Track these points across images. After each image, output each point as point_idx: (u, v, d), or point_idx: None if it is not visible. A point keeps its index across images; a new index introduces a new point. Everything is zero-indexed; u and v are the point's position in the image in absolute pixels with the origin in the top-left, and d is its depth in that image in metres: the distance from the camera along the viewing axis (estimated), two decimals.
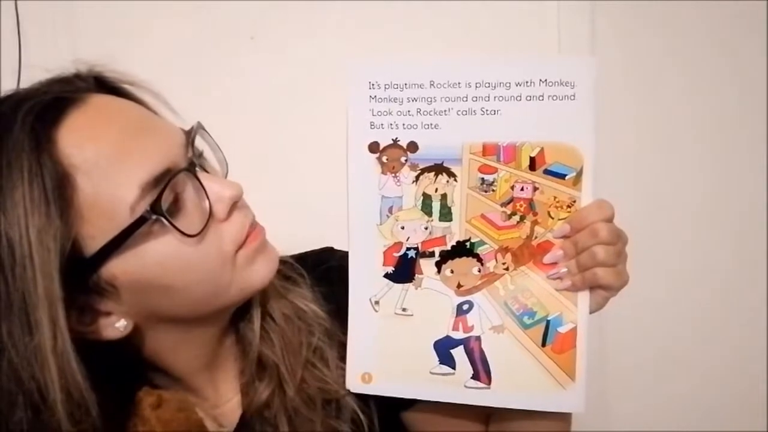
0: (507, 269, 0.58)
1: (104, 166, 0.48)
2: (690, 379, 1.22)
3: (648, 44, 1.16)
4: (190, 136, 0.54)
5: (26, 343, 0.46)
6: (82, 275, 0.48)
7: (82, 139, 0.48)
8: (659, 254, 1.14)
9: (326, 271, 0.66)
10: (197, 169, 0.53)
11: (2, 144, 0.47)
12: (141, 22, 1.04)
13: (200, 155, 0.56)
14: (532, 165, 0.57)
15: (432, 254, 0.59)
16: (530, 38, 1.13)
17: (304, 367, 0.62)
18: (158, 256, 0.50)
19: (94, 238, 0.48)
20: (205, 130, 0.56)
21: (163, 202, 0.48)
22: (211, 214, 0.52)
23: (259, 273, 0.55)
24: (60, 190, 0.46)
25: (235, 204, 0.54)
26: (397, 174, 0.58)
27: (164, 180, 0.49)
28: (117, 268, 0.49)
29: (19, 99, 0.50)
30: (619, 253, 0.55)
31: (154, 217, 0.48)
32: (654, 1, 1.15)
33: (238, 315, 0.61)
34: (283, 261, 0.64)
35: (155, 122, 0.54)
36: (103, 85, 0.55)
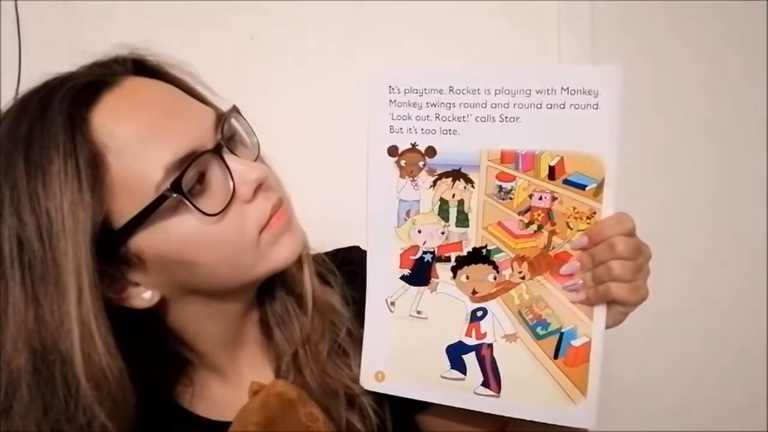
0: (523, 278, 0.58)
1: (134, 146, 0.51)
2: (690, 379, 1.22)
3: (648, 44, 1.15)
4: (221, 118, 0.56)
5: (57, 306, 0.49)
6: (111, 246, 0.52)
7: (115, 121, 0.51)
8: (660, 257, 1.12)
9: (352, 273, 0.67)
10: (225, 150, 0.55)
11: (41, 125, 0.50)
12: (141, 22, 1.05)
13: (230, 138, 0.57)
14: (552, 174, 0.56)
15: (448, 259, 0.59)
16: (530, 38, 1.13)
17: (327, 358, 0.63)
18: (181, 233, 0.53)
19: (122, 214, 0.51)
20: (240, 114, 0.58)
21: (184, 181, 0.51)
22: (234, 194, 0.54)
23: (283, 253, 0.57)
24: (92, 168, 0.50)
25: (260, 186, 0.55)
26: (415, 178, 0.59)
27: (188, 161, 0.52)
28: (143, 242, 0.52)
29: (58, 82, 0.53)
30: (638, 269, 0.54)
31: (174, 195, 0.51)
32: (654, 1, 1.13)
33: (264, 295, 0.63)
34: (316, 258, 0.66)
35: (186, 105, 0.56)
36: (142, 68, 0.58)
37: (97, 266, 0.50)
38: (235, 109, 0.58)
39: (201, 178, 0.53)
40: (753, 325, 1.22)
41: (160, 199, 0.51)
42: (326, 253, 0.69)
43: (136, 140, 0.51)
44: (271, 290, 0.63)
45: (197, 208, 0.52)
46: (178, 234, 0.53)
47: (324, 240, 0.67)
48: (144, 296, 0.55)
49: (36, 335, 0.49)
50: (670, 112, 1.17)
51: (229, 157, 0.54)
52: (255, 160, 0.58)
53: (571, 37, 1.11)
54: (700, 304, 1.21)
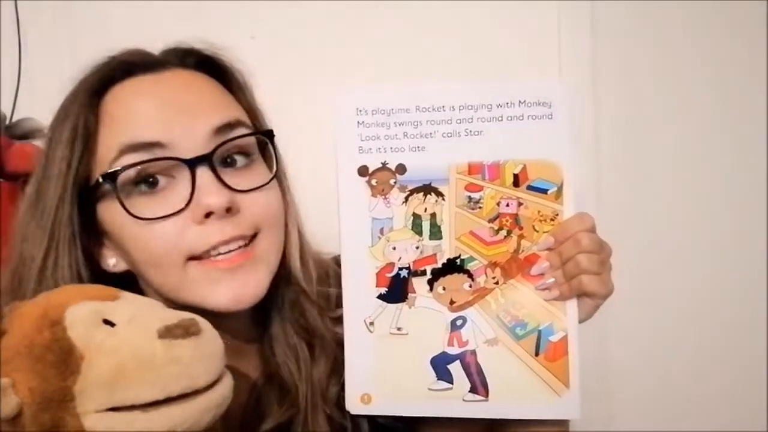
0: (497, 283, 0.60)
1: (115, 123, 0.55)
2: (690, 379, 1.22)
3: (648, 44, 1.17)
4: (230, 126, 0.56)
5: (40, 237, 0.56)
6: (86, 203, 0.57)
7: (121, 101, 0.56)
8: (660, 258, 1.14)
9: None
10: (204, 163, 0.54)
11: (71, 95, 0.58)
12: (141, 23, 1.04)
13: (230, 156, 0.57)
14: (516, 182, 0.60)
15: (424, 273, 0.61)
16: (530, 39, 1.14)
17: (326, 391, 0.63)
18: (117, 218, 0.55)
19: (92, 180, 0.56)
20: (271, 140, 0.60)
21: (125, 173, 0.54)
22: (182, 209, 0.53)
23: (215, 296, 0.55)
24: (85, 134, 0.55)
25: (209, 216, 0.54)
26: (387, 196, 0.60)
27: (149, 151, 0.54)
28: (100, 210, 0.57)
29: (106, 59, 0.59)
30: (602, 262, 0.58)
31: (104, 182, 0.54)
32: (654, 1, 1.16)
33: (262, 328, 0.62)
34: (335, 260, 0.66)
35: (201, 104, 0.57)
36: (192, 58, 0.61)
37: (76, 212, 0.56)
38: (267, 134, 0.60)
39: (153, 177, 0.54)
40: (753, 325, 1.23)
41: (97, 182, 0.55)
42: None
43: (118, 117, 0.55)
44: (269, 324, 0.62)
45: (122, 205, 0.54)
46: (116, 218, 0.56)
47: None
48: (109, 261, 0.59)
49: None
50: (670, 112, 1.19)
51: (203, 175, 0.54)
52: (251, 190, 0.56)
53: (571, 37, 1.13)
54: (700, 304, 1.21)
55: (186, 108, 0.56)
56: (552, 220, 0.60)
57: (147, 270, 0.56)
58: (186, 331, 0.44)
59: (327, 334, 0.63)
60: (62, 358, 0.43)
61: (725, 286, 1.22)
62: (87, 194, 0.56)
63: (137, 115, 0.55)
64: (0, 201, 0.74)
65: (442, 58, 1.13)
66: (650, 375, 1.21)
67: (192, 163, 0.53)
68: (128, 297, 0.49)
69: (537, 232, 0.60)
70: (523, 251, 0.60)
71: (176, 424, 0.43)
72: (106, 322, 0.45)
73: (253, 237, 0.57)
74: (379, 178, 0.60)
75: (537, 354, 0.60)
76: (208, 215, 0.54)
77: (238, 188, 0.56)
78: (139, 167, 0.54)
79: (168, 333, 0.44)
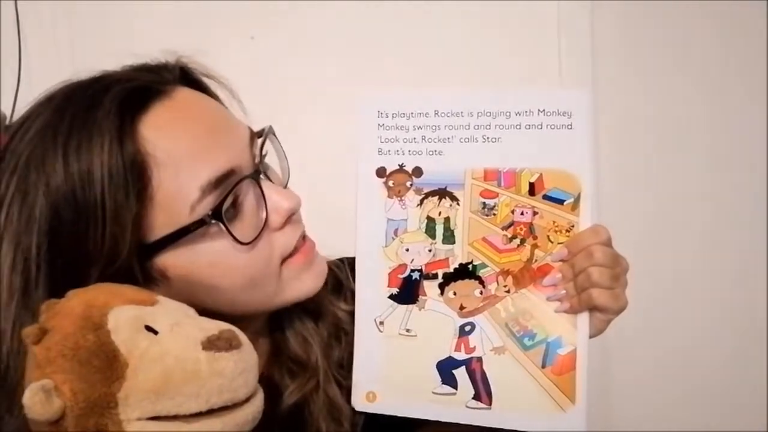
0: (508, 291, 0.60)
1: (175, 162, 0.51)
2: (690, 379, 1.22)
3: (648, 44, 1.17)
4: (257, 139, 0.57)
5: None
6: (138, 258, 0.51)
7: (161, 133, 0.51)
8: (660, 258, 1.15)
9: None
10: (261, 176, 0.55)
11: (87, 122, 0.49)
12: (141, 22, 1.06)
13: (261, 160, 0.58)
14: (532, 190, 0.59)
15: (435, 276, 0.61)
16: (530, 38, 1.15)
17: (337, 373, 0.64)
18: (210, 257, 0.53)
19: (153, 228, 0.51)
20: (275, 136, 0.60)
21: (224, 207, 0.52)
22: (266, 223, 0.55)
23: (303, 288, 0.58)
24: (137, 172, 0.49)
25: (291, 216, 0.56)
26: (403, 198, 0.61)
27: (225, 182, 0.52)
28: (170, 260, 0.52)
29: (107, 83, 0.52)
30: (616, 277, 0.57)
31: (213, 221, 0.51)
32: (654, 1, 1.16)
33: (277, 315, 0.63)
34: (335, 263, 0.67)
35: (228, 122, 0.56)
36: (188, 77, 0.58)
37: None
38: (271, 131, 0.59)
39: (235, 201, 0.53)
40: (753, 325, 1.23)
41: (198, 223, 0.51)
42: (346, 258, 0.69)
43: (178, 156, 0.51)
44: (285, 310, 0.63)
45: (232, 236, 0.52)
46: (207, 257, 0.53)
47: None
48: None
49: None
50: (670, 112, 1.19)
51: (265, 184, 0.55)
52: (285, 186, 0.59)
53: (571, 37, 1.13)
54: (700, 304, 1.22)
55: (221, 127, 0.55)
56: (567, 231, 0.59)
57: (238, 294, 0.55)
58: (229, 344, 0.44)
59: (343, 321, 0.65)
60: (108, 364, 0.42)
61: (724, 287, 1.22)
62: (140, 249, 0.51)
63: (198, 149, 0.52)
64: None
65: (441, 58, 1.14)
66: (650, 374, 1.20)
67: (255, 177, 0.55)
68: (163, 302, 0.49)
69: (551, 242, 0.59)
70: (536, 261, 0.60)
71: None
72: (148, 328, 0.45)
73: None
74: (396, 180, 0.61)
75: (544, 366, 0.59)
76: (287, 219, 0.56)
77: (283, 186, 0.59)
78: (231, 196, 0.52)
79: (212, 345, 0.44)
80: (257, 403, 0.47)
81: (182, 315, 0.48)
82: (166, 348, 0.44)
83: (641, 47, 1.18)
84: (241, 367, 0.45)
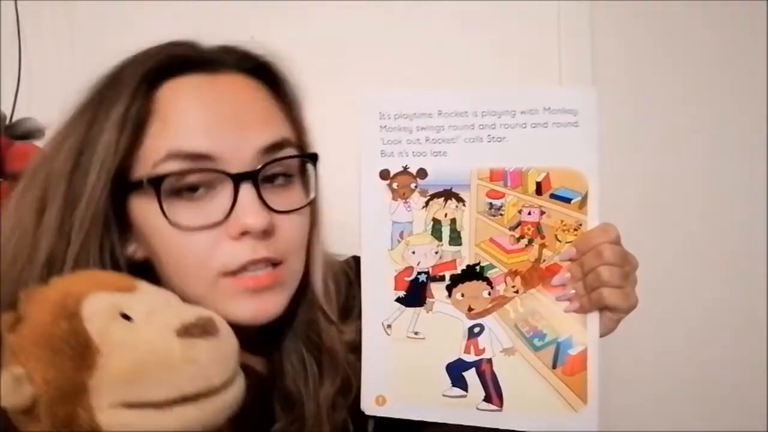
0: (517, 292, 0.59)
1: (168, 121, 0.54)
2: (690, 379, 1.22)
3: (648, 44, 1.17)
4: (283, 151, 0.57)
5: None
6: (120, 194, 0.56)
7: (175, 95, 0.55)
8: (660, 257, 1.15)
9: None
10: (248, 182, 0.54)
11: (115, 78, 0.56)
12: (141, 22, 1.06)
13: (275, 175, 0.57)
14: (539, 190, 0.59)
15: (442, 278, 0.61)
16: (530, 38, 1.14)
17: (333, 402, 0.63)
18: (151, 221, 0.55)
19: (134, 173, 0.55)
20: (315, 164, 0.60)
21: (168, 180, 0.53)
22: (220, 222, 0.54)
23: (240, 313, 0.55)
24: (136, 122, 0.54)
25: (245, 235, 0.54)
26: (408, 200, 0.60)
27: (195, 162, 0.53)
28: (135, 210, 0.56)
29: (160, 47, 0.58)
30: (626, 276, 0.56)
31: (148, 186, 0.53)
32: (654, 1, 1.16)
33: (277, 336, 0.62)
34: (347, 262, 0.67)
35: (251, 119, 0.56)
36: (244, 64, 0.59)
37: (110, 198, 0.55)
38: (310, 157, 0.59)
39: (195, 185, 0.54)
40: (753, 325, 1.24)
41: (139, 182, 0.54)
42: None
43: (174, 118, 0.54)
44: (280, 336, 0.62)
45: (162, 209, 0.53)
46: (150, 220, 0.55)
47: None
48: (129, 248, 0.58)
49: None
50: (670, 112, 1.19)
51: (246, 191, 0.54)
52: (288, 212, 0.57)
53: (571, 37, 1.13)
54: (699, 305, 1.22)
55: (239, 121, 0.55)
56: (575, 230, 0.58)
57: (175, 275, 0.56)
58: (204, 330, 0.44)
59: (340, 354, 0.63)
60: (80, 352, 0.43)
61: (724, 287, 1.22)
62: (124, 185, 0.55)
63: (190, 122, 0.54)
64: (0, 201, 0.72)
65: (440, 58, 1.13)
66: (650, 374, 1.21)
67: (237, 179, 0.54)
68: (144, 288, 0.49)
69: (560, 241, 0.59)
70: (544, 261, 0.59)
71: (190, 424, 0.43)
72: (124, 316, 0.45)
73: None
74: (400, 182, 0.60)
75: (554, 366, 0.58)
76: (244, 233, 0.54)
77: (277, 208, 0.56)
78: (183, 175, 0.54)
79: (186, 332, 0.43)
80: (235, 390, 0.46)
81: (162, 302, 0.48)
82: (140, 335, 0.44)
83: (641, 47, 1.18)
84: (216, 354, 0.44)
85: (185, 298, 0.54)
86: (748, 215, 1.23)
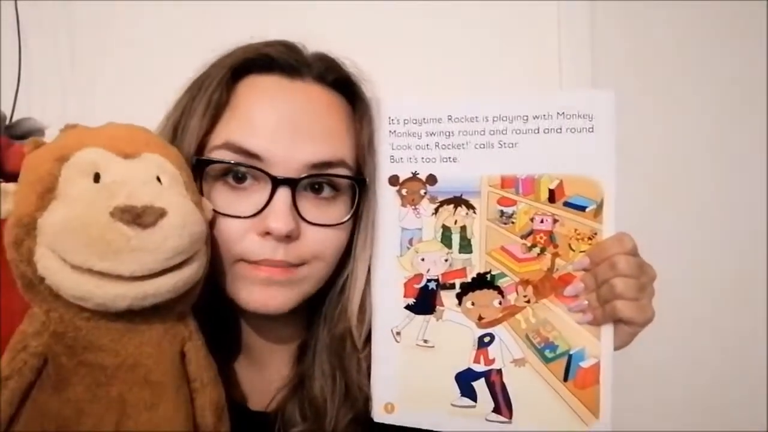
0: (528, 302, 0.58)
1: (238, 113, 0.57)
2: (690, 379, 1.22)
3: (648, 44, 1.17)
4: (331, 168, 0.57)
5: None
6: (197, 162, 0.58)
7: (250, 92, 0.58)
8: (660, 257, 1.13)
9: None
10: (286, 188, 0.55)
11: (212, 68, 0.60)
12: (141, 23, 1.06)
13: (319, 187, 0.58)
14: (552, 197, 0.57)
15: (452, 286, 0.59)
16: (530, 38, 1.14)
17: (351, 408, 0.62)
18: (207, 196, 0.57)
19: (204, 152, 0.58)
20: (361, 186, 0.59)
21: (216, 165, 0.56)
22: (251, 216, 0.55)
23: (248, 297, 0.57)
24: (215, 110, 0.57)
25: (272, 236, 0.55)
26: (417, 206, 0.59)
27: (243, 156, 0.55)
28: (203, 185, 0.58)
29: (255, 44, 0.61)
30: (642, 287, 0.54)
31: (195, 164, 0.56)
32: (654, 1, 1.15)
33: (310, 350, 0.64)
34: None
35: (314, 130, 0.57)
36: (328, 76, 0.60)
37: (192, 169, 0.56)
38: (360, 181, 0.59)
39: (239, 177, 0.56)
40: (753, 325, 1.23)
41: (196, 162, 0.57)
42: None
43: (242, 112, 0.57)
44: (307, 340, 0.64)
45: (202, 193, 0.55)
46: (206, 194, 0.57)
47: None
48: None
49: None
50: (670, 112, 1.18)
51: (282, 195, 0.55)
52: (319, 225, 0.57)
53: (571, 37, 1.12)
54: (699, 305, 1.21)
55: (299, 131, 0.56)
56: (590, 239, 0.56)
57: (214, 253, 0.56)
58: (133, 219, 0.44)
59: (354, 382, 0.62)
60: (44, 192, 0.46)
61: (724, 287, 1.21)
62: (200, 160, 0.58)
63: (252, 120, 0.56)
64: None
65: (441, 59, 1.12)
66: (650, 374, 1.19)
67: (276, 182, 0.55)
68: (147, 159, 0.50)
69: (573, 251, 0.57)
70: (557, 270, 0.57)
71: (84, 295, 0.45)
72: (96, 176, 0.47)
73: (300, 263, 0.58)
74: (410, 188, 0.59)
75: (566, 379, 0.57)
76: (268, 233, 0.55)
77: (309, 218, 0.57)
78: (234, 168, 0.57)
79: (117, 214, 0.44)
80: (147, 288, 0.46)
81: (138, 178, 0.48)
82: (85, 198, 0.46)
83: (641, 47, 1.17)
84: (137, 243, 0.44)
85: (221, 277, 0.57)
86: (749, 214, 1.22)
